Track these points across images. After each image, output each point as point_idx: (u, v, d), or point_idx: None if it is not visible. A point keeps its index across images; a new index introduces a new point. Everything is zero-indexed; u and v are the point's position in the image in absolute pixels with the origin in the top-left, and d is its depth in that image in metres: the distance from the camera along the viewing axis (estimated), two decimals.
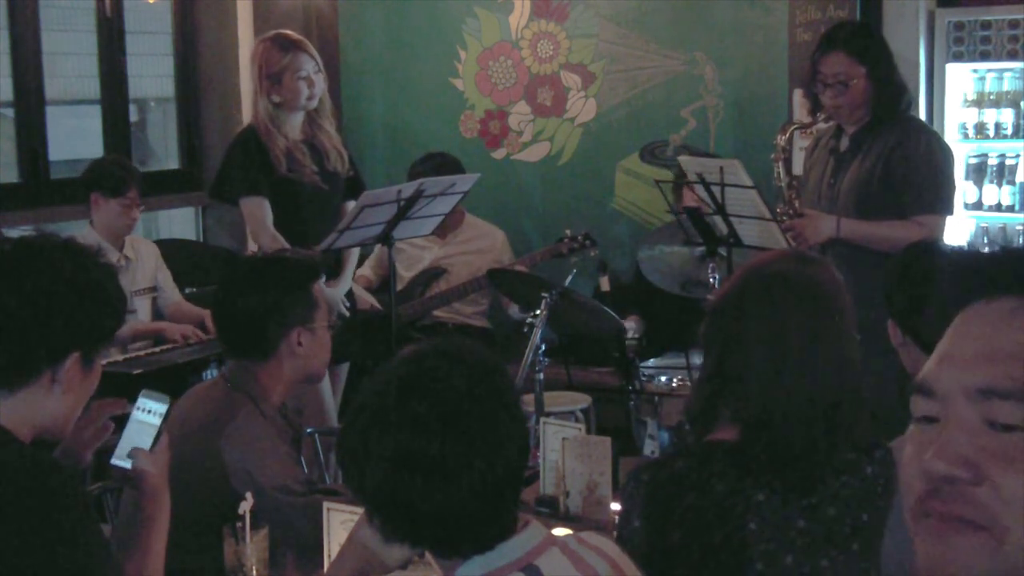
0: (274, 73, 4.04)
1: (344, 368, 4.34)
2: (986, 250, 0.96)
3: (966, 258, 0.93)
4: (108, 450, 2.07)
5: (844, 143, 3.72)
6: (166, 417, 2.06)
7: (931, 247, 2.59)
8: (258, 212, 4.05)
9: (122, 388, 2.26)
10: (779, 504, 1.90)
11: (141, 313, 4.42)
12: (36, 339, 1.80)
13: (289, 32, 4.26)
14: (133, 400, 2.07)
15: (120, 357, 4.12)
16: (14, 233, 3.99)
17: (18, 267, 1.82)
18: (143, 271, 4.48)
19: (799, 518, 1.91)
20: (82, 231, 4.30)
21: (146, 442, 2.03)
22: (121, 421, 2.07)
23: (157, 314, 4.56)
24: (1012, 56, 4.68)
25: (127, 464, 2.02)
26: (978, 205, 4.78)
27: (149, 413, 2.05)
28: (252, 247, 4.38)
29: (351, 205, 4.06)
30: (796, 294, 1.94)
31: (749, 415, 1.93)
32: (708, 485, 1.90)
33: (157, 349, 4.31)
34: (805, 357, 1.91)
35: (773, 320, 1.93)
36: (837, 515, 1.93)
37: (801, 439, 1.90)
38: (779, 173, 3.81)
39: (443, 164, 4.76)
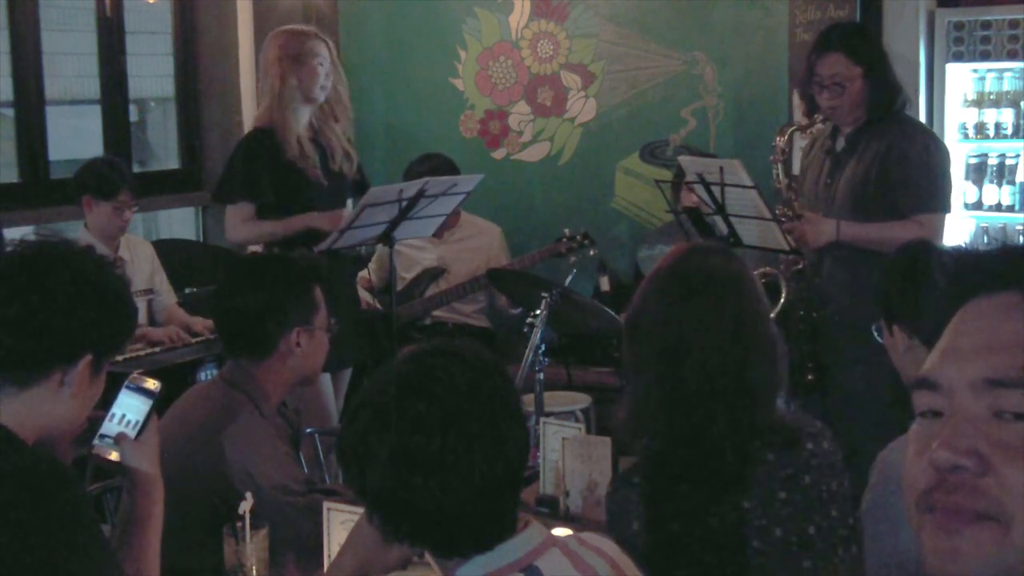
0: (296, 55, 4.04)
1: (347, 373, 4.34)
2: (984, 248, 0.96)
3: (965, 255, 0.94)
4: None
5: (840, 143, 3.72)
6: (155, 402, 2.05)
7: (928, 247, 2.58)
8: (239, 213, 4.07)
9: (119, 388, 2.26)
10: (767, 472, 1.94)
11: (138, 316, 4.40)
12: (53, 337, 1.81)
13: (304, 25, 4.29)
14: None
15: (119, 358, 4.11)
16: (14, 233, 4.01)
17: (42, 266, 1.84)
18: (139, 273, 4.46)
19: (781, 490, 1.94)
20: (77, 232, 4.30)
21: (132, 429, 2.02)
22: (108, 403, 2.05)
23: (151, 317, 4.55)
24: (1012, 56, 4.67)
25: (112, 451, 2.01)
26: (978, 205, 4.77)
27: (137, 397, 2.04)
28: (252, 246, 4.38)
29: (350, 205, 4.06)
30: (717, 284, 2.01)
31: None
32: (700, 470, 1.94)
33: (157, 349, 4.31)
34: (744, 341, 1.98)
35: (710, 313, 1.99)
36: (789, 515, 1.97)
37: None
38: (778, 174, 3.81)
39: (440, 165, 4.77)
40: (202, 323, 4.47)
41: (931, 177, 3.60)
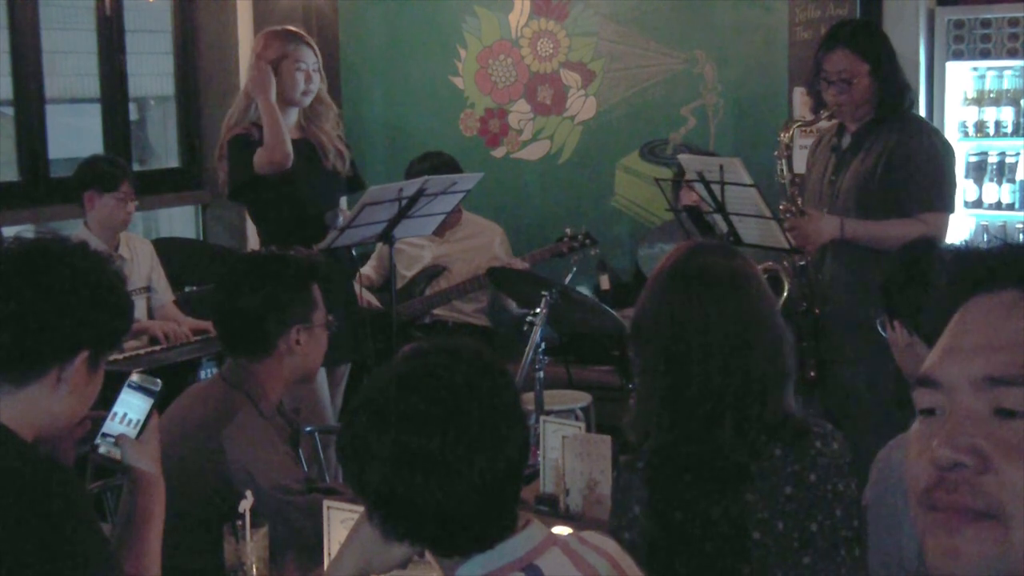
0: (272, 60, 4.00)
1: (345, 368, 4.33)
2: (985, 245, 0.96)
3: (966, 253, 0.94)
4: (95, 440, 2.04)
5: (846, 141, 3.72)
6: (156, 401, 2.05)
7: (931, 244, 2.58)
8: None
9: (121, 387, 2.26)
10: (774, 467, 1.94)
11: (137, 313, 4.40)
12: (49, 335, 1.80)
13: (293, 27, 4.26)
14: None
15: (119, 356, 4.11)
16: (14, 232, 4.01)
17: (38, 263, 1.83)
18: (138, 270, 4.47)
19: (787, 485, 1.94)
20: (76, 231, 4.30)
21: (133, 428, 2.01)
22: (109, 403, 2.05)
23: (150, 315, 4.55)
24: (1012, 54, 4.67)
25: (116, 451, 2.01)
26: (978, 203, 4.78)
27: (138, 396, 2.04)
28: (252, 245, 4.38)
29: (345, 203, 4.05)
30: (721, 281, 2.02)
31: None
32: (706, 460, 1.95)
33: (156, 348, 4.31)
34: (747, 338, 1.99)
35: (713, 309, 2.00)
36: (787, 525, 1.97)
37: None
38: (782, 170, 3.80)
39: (441, 164, 4.76)
40: (190, 326, 4.47)
41: (936, 176, 3.59)
